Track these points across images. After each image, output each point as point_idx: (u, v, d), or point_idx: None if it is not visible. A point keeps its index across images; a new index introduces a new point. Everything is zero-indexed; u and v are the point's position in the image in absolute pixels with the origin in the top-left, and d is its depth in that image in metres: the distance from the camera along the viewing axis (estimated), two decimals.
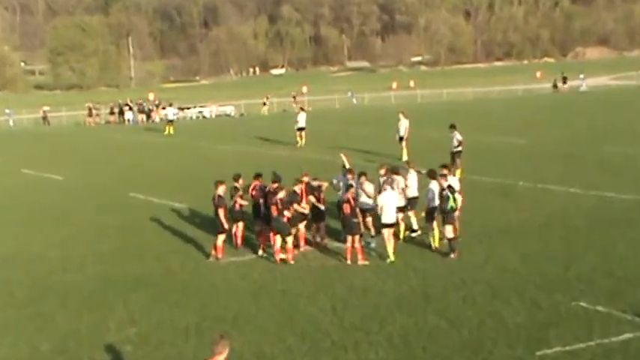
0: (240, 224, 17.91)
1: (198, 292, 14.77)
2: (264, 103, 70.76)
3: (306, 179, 17.81)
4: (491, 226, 19.15)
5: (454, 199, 16.26)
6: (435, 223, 16.94)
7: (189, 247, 18.43)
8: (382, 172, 17.59)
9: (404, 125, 32.28)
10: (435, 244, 17.07)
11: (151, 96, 79.28)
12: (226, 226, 16.82)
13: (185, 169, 32.30)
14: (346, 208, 16.28)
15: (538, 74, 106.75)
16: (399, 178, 17.71)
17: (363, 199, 17.38)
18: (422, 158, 26.96)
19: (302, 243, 17.34)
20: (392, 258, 16.26)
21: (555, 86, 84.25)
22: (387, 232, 16.48)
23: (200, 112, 68.50)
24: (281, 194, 16.51)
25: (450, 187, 16.42)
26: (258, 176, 17.92)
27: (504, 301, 13.34)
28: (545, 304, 13.11)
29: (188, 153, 39.12)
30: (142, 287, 15.20)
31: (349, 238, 16.33)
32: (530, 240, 17.63)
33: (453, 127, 27.15)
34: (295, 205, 16.84)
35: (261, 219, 17.34)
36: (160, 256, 17.64)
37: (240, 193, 17.75)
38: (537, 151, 33.49)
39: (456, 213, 16.61)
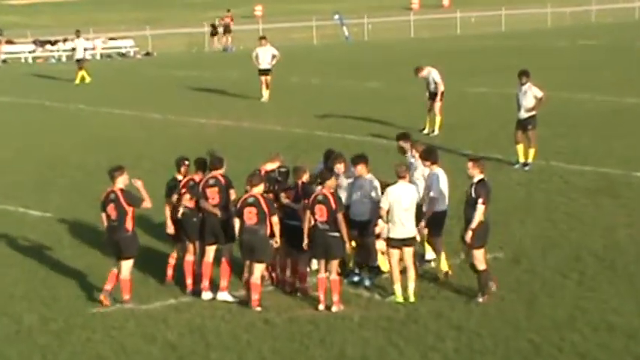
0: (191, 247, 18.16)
1: None
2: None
3: (269, 167, 17.97)
4: (588, 248, 19.24)
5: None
6: (440, 240, 17.52)
7: (58, 288, 18.29)
8: (339, 166, 17.96)
9: (433, 76, 32.34)
10: (442, 273, 17.61)
11: None
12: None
13: (55, 154, 32.10)
14: (321, 213, 16.39)
15: None
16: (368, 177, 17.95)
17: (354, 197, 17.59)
18: (462, 133, 26.93)
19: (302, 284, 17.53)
20: (411, 297, 16.68)
21: None
22: (396, 255, 16.72)
23: (73, 49, 68.18)
24: (260, 187, 16.74)
25: (481, 182, 16.45)
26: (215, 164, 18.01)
27: None
28: None
29: (60, 124, 38.90)
30: None
31: (322, 262, 16.64)
32: None
33: (524, 74, 27.09)
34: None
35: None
36: (8, 304, 17.53)
37: (219, 190, 17.64)
38: None
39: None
